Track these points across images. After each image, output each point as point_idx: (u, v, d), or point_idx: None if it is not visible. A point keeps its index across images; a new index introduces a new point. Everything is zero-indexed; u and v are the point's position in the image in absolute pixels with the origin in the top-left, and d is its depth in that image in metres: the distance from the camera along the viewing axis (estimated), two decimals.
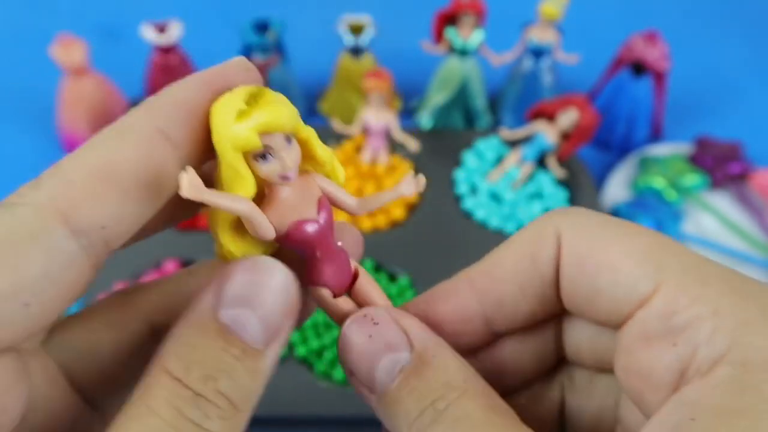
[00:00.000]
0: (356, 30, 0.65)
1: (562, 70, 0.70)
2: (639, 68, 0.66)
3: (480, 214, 0.60)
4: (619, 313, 0.17)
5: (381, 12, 0.72)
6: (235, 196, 0.17)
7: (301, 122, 0.17)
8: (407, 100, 0.73)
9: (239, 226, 0.18)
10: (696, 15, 0.87)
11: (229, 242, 0.18)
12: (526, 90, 0.69)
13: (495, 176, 0.62)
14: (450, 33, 0.64)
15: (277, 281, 0.16)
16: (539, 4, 0.64)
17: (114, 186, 0.16)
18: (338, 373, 0.48)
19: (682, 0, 0.89)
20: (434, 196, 0.61)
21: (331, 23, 0.67)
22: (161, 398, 0.15)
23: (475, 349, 0.20)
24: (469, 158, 0.63)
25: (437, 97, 0.67)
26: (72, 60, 0.60)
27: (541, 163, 0.63)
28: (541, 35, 0.65)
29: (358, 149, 0.63)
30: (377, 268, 0.56)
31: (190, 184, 0.15)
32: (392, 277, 0.55)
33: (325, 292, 0.19)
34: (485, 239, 0.58)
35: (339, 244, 0.19)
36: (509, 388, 0.21)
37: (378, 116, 0.60)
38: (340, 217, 0.58)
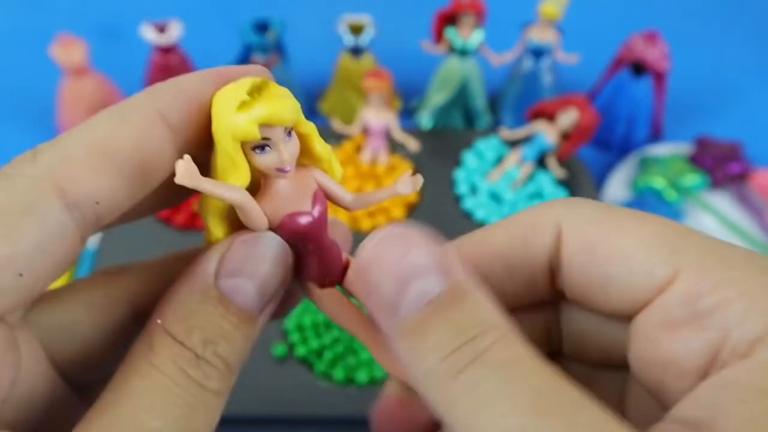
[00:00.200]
0: (356, 30, 0.65)
1: (562, 70, 0.70)
2: (639, 68, 0.66)
3: (480, 214, 0.60)
4: (634, 300, 0.17)
5: (381, 12, 0.72)
6: (230, 186, 0.17)
7: (303, 117, 0.18)
8: (407, 100, 0.73)
9: (230, 214, 0.18)
10: (696, 15, 0.87)
11: (218, 230, 0.18)
12: (526, 90, 0.69)
13: (495, 176, 0.62)
14: (450, 33, 0.64)
15: (274, 253, 0.17)
16: (539, 4, 0.64)
17: (111, 162, 0.16)
18: (338, 373, 0.48)
19: (682, 0, 0.89)
20: (434, 196, 0.61)
21: (331, 23, 0.67)
22: (165, 357, 0.16)
23: None
24: (469, 158, 0.63)
25: (437, 97, 0.67)
26: (72, 60, 0.60)
27: (541, 163, 0.63)
28: (541, 35, 0.65)
29: (358, 149, 0.63)
30: None
31: (187, 171, 0.16)
32: None
33: (315, 286, 0.19)
34: None
35: (334, 241, 0.19)
36: None
37: (378, 116, 0.60)
38: (341, 216, 0.58)
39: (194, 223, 0.57)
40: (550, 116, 0.61)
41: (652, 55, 0.64)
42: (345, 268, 0.20)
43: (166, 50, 0.63)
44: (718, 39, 0.84)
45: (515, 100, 0.70)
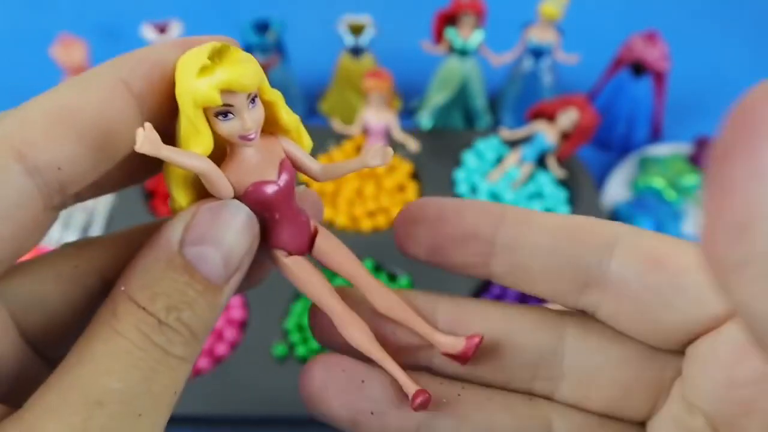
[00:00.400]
0: (356, 30, 0.65)
1: (562, 70, 0.70)
2: (639, 68, 0.66)
3: None
4: (709, 316, 0.16)
5: (381, 12, 0.72)
6: (191, 154, 0.16)
7: (267, 84, 0.17)
8: (407, 100, 0.73)
9: (195, 182, 0.18)
10: (696, 15, 0.87)
11: (183, 198, 0.18)
12: (526, 90, 0.69)
13: (495, 176, 0.62)
14: (450, 33, 0.64)
15: (239, 221, 0.17)
16: (539, 4, 0.64)
17: (72, 128, 0.16)
18: None
19: (682, 0, 0.89)
20: (434, 196, 0.61)
21: (331, 23, 0.67)
22: (128, 323, 0.15)
23: None
24: (469, 158, 0.63)
25: (437, 97, 0.67)
26: (72, 60, 0.60)
27: (541, 163, 0.63)
28: (541, 35, 0.65)
29: (358, 149, 0.63)
30: (377, 268, 0.56)
31: (147, 139, 0.15)
32: (392, 277, 0.55)
33: (282, 255, 0.19)
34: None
35: (301, 210, 0.19)
36: None
37: (378, 116, 0.60)
38: (341, 217, 0.58)
39: None
40: (550, 116, 0.61)
41: (651, 55, 0.64)
42: (313, 237, 0.20)
43: None
44: (718, 39, 0.84)
45: (515, 100, 0.70)
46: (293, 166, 0.19)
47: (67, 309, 0.18)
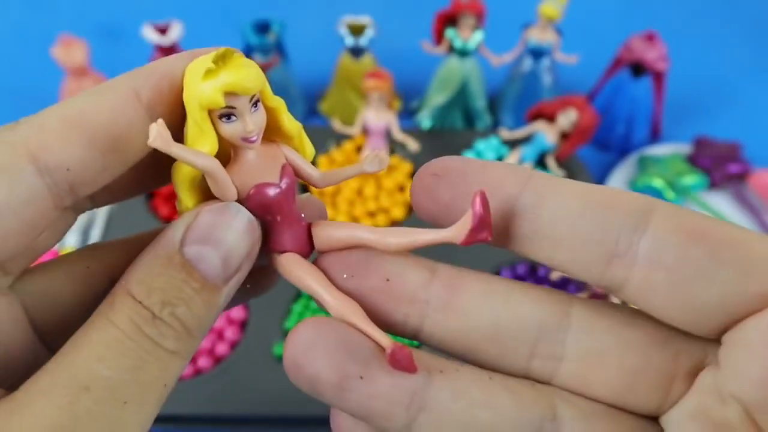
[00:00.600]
0: (356, 30, 0.66)
1: (561, 71, 0.70)
2: (638, 69, 0.66)
3: None
4: (755, 294, 0.15)
5: (381, 12, 0.72)
6: (200, 152, 0.17)
7: (269, 89, 0.18)
8: (407, 100, 0.73)
9: (201, 184, 0.18)
10: (695, 16, 0.88)
11: (189, 199, 0.18)
12: (526, 90, 0.69)
13: None
14: (450, 33, 0.64)
15: (240, 223, 0.17)
16: (539, 5, 0.64)
17: (82, 132, 0.17)
18: None
19: (681, 1, 0.89)
20: None
21: (331, 24, 0.67)
22: (122, 314, 0.16)
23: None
24: None
25: (437, 97, 0.68)
26: (73, 60, 0.61)
27: (540, 163, 0.63)
28: (540, 36, 0.66)
29: (358, 149, 0.63)
30: None
31: (159, 135, 0.16)
32: None
33: (286, 258, 0.19)
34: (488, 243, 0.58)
35: (302, 215, 0.20)
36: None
37: (378, 116, 0.60)
38: (341, 217, 0.58)
39: None
40: (549, 117, 0.61)
41: (651, 56, 0.65)
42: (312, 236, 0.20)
43: (167, 50, 0.63)
44: (717, 39, 0.84)
45: (515, 100, 0.70)
46: (294, 173, 0.19)
47: (76, 306, 0.19)
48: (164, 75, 0.18)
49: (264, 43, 0.64)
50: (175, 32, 0.63)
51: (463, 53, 0.65)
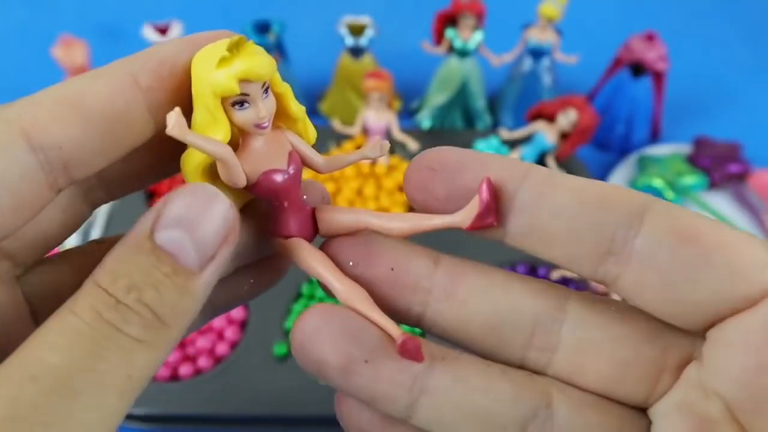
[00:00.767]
0: (356, 30, 0.66)
1: (561, 71, 0.70)
2: (638, 69, 0.66)
3: None
4: (740, 296, 0.16)
5: (381, 12, 0.72)
6: (214, 140, 0.17)
7: (278, 76, 0.18)
8: (407, 100, 0.73)
9: (210, 173, 0.19)
10: (695, 16, 0.88)
11: None
12: (526, 90, 0.69)
13: None
14: (450, 34, 0.64)
15: (215, 207, 0.16)
16: (538, 5, 0.64)
17: (77, 112, 0.16)
18: None
19: (681, 1, 0.89)
20: None
21: (331, 24, 0.67)
22: (84, 303, 0.15)
23: None
24: None
25: (437, 97, 0.68)
26: (73, 60, 0.61)
27: (540, 163, 0.63)
28: (540, 36, 0.66)
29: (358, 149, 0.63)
30: None
31: (177, 123, 0.16)
32: None
33: (294, 243, 0.19)
34: (485, 238, 0.58)
35: (305, 199, 0.20)
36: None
37: (378, 116, 0.61)
38: (342, 201, 0.58)
39: None
40: (549, 117, 0.61)
41: (651, 56, 0.65)
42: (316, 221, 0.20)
43: None
44: (717, 40, 0.84)
45: (515, 100, 0.70)
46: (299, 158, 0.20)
47: None
48: (163, 60, 0.18)
49: (264, 43, 0.64)
50: (175, 32, 0.63)
51: (463, 53, 0.65)
